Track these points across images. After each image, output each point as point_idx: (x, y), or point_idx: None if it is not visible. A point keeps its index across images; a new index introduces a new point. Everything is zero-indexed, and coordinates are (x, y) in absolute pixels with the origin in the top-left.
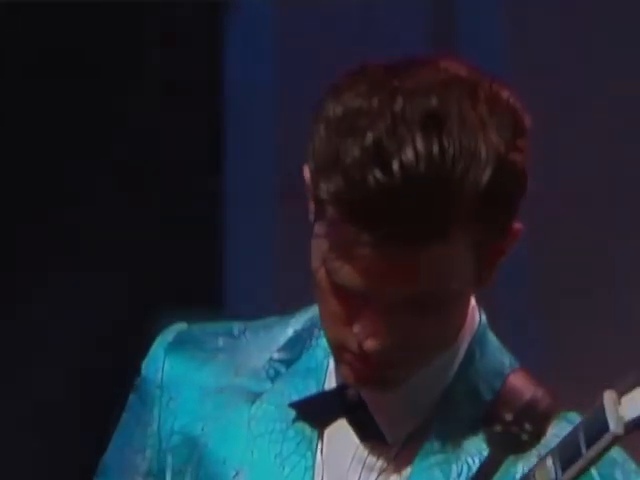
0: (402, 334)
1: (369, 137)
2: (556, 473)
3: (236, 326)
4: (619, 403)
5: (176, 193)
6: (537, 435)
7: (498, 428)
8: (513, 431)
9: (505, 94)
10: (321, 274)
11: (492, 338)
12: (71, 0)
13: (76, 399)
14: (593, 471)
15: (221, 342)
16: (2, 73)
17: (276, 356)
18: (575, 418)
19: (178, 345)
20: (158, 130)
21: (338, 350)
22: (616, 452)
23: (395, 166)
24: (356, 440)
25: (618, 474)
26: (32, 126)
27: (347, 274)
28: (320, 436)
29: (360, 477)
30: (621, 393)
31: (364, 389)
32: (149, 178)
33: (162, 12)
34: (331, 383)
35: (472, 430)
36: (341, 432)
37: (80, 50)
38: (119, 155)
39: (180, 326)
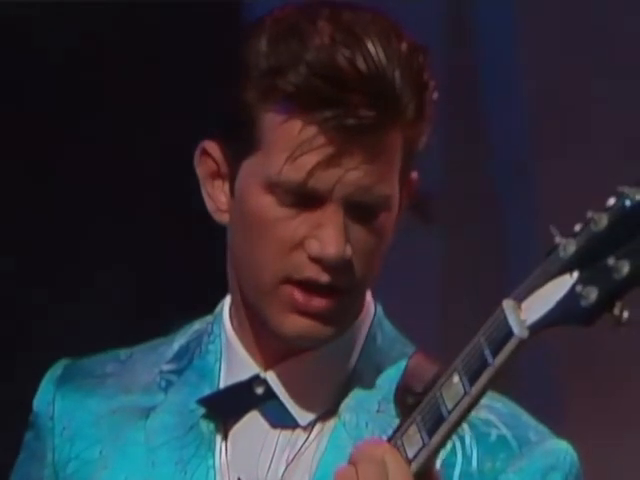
0: (352, 247)
1: (324, 32)
2: (464, 388)
3: (122, 352)
4: (519, 309)
5: (189, 190)
6: None
7: (410, 400)
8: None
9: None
10: (266, 202)
11: (389, 326)
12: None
13: None
14: (507, 434)
15: (109, 368)
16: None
17: (166, 368)
18: None
19: (67, 378)
20: (178, 127)
21: (277, 291)
22: (527, 416)
23: (360, 49)
24: (267, 428)
25: (532, 435)
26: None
27: (308, 167)
28: (224, 435)
29: (272, 463)
30: (519, 300)
31: (303, 337)
32: (158, 175)
33: (180, 12)
34: (225, 385)
35: (383, 407)
36: (249, 425)
37: (98, 50)
38: (131, 154)
39: (66, 361)
